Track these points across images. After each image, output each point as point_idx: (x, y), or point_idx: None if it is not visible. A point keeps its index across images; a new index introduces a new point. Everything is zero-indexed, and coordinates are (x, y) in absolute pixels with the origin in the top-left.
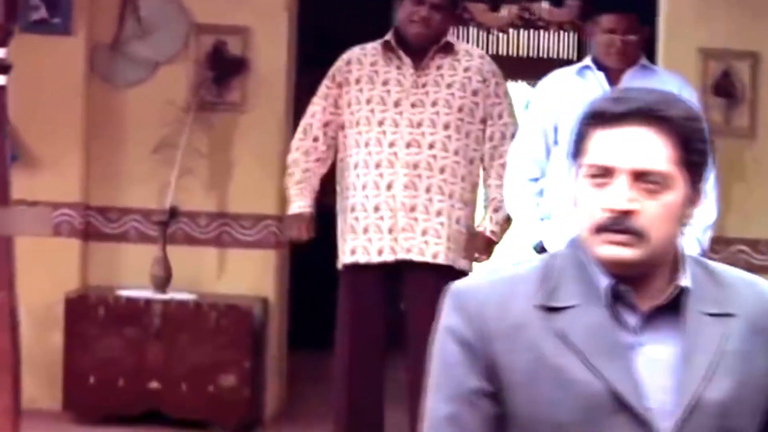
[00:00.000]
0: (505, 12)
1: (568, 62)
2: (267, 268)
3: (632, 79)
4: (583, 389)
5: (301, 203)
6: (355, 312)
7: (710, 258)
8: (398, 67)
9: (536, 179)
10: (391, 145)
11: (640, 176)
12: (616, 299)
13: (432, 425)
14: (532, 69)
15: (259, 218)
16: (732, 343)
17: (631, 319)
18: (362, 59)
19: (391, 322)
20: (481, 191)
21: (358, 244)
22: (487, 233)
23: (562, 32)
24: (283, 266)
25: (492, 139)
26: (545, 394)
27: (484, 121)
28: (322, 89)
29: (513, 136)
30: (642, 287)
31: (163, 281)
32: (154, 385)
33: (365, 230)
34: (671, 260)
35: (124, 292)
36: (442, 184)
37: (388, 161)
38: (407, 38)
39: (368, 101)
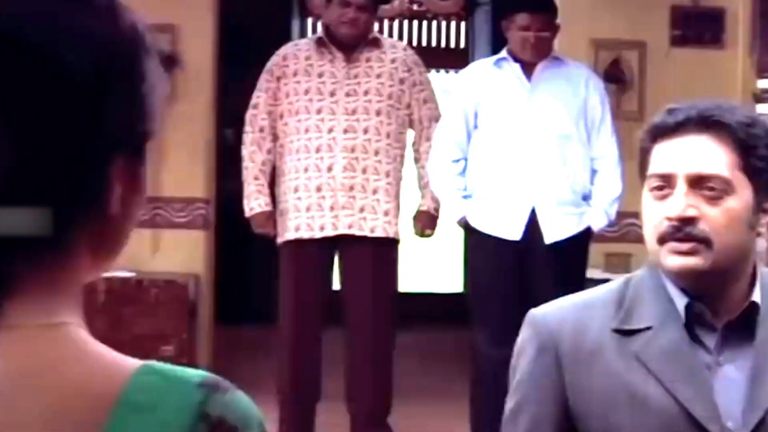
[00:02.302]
0: (396, 3)
1: (456, 51)
2: (197, 248)
3: (545, 71)
4: (661, 412)
5: (261, 201)
6: (299, 284)
7: (606, 231)
8: (331, 61)
9: (458, 160)
10: (330, 131)
11: (698, 182)
12: (694, 318)
13: None
14: (422, 58)
15: (190, 201)
16: None
17: (709, 339)
18: (297, 54)
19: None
20: (408, 170)
21: (302, 222)
22: (430, 210)
23: (449, 22)
24: (211, 246)
25: (421, 122)
26: (622, 417)
27: (408, 106)
28: (261, 83)
29: (436, 119)
30: (719, 303)
31: None
32: None
33: (308, 209)
34: (748, 274)
35: None
36: (377, 165)
37: (328, 146)
38: (338, 36)
39: (306, 92)
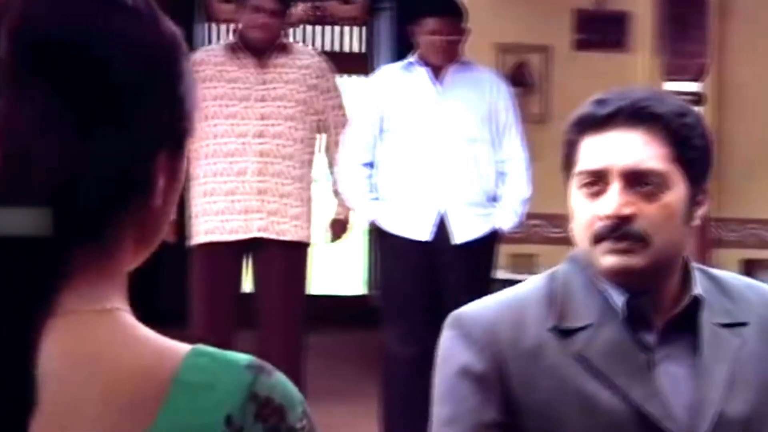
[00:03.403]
0: (298, 8)
1: (357, 56)
2: None
3: (455, 74)
4: (609, 413)
5: None
6: (211, 286)
7: (512, 232)
8: (243, 66)
9: (367, 164)
10: (242, 135)
11: (633, 179)
12: (633, 315)
13: None
14: None
15: None
16: (747, 352)
17: (648, 336)
18: (209, 59)
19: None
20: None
21: (213, 225)
22: (343, 217)
23: (351, 27)
24: None
25: (336, 127)
26: (569, 420)
27: (319, 112)
28: None
29: (348, 124)
30: (655, 300)
31: None
32: None
33: (221, 212)
34: (680, 268)
35: None
36: (288, 170)
37: (240, 150)
38: (250, 42)
39: (218, 97)
